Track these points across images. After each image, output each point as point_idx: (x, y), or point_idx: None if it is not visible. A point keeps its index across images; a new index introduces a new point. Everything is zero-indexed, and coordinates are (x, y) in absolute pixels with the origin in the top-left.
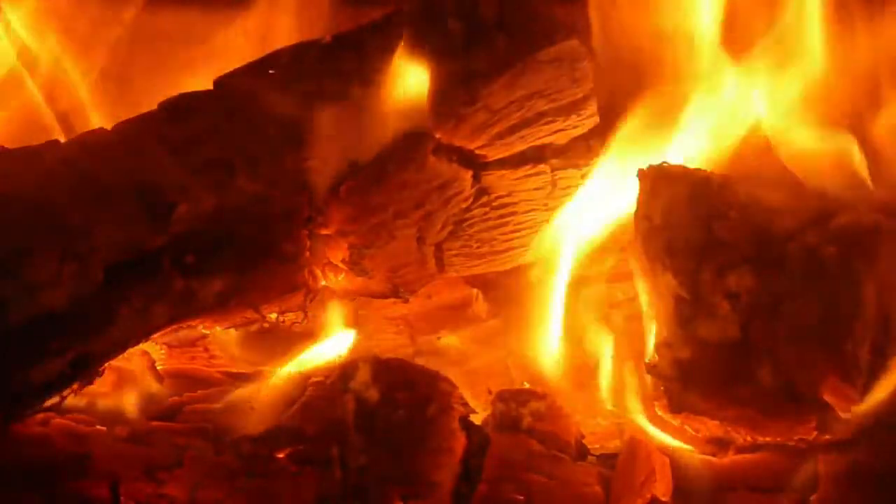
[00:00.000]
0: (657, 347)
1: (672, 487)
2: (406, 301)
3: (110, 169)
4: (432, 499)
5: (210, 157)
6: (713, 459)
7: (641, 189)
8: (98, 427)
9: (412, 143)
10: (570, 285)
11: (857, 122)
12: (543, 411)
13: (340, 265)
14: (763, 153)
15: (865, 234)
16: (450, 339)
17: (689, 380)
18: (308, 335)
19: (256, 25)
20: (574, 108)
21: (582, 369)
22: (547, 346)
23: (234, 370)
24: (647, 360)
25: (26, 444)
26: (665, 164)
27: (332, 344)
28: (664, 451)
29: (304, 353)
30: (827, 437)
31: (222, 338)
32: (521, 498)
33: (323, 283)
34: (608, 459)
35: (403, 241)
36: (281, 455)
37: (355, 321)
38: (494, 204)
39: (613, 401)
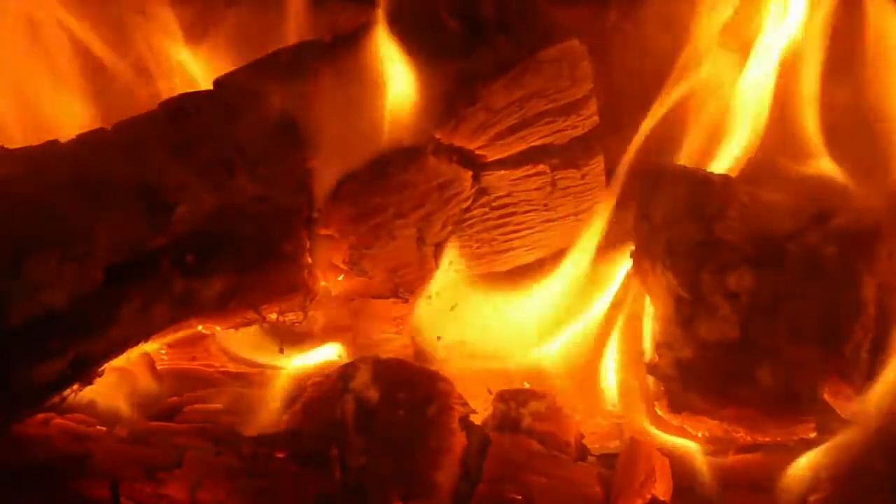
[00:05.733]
0: (657, 347)
1: (672, 487)
2: (406, 301)
3: (110, 169)
4: (432, 499)
5: (210, 157)
6: (713, 459)
7: (641, 189)
8: (98, 427)
9: (412, 143)
10: (570, 285)
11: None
12: (543, 411)
13: (340, 265)
14: (763, 153)
15: (865, 234)
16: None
17: (690, 380)
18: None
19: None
20: (574, 108)
21: (582, 369)
22: (547, 346)
23: (234, 370)
24: (647, 360)
25: (26, 445)
26: (665, 164)
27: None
28: (664, 451)
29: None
30: (827, 437)
31: (222, 338)
32: (521, 498)
33: (322, 283)
34: (608, 459)
35: (403, 242)
36: (281, 455)
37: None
38: (494, 204)
39: (613, 401)
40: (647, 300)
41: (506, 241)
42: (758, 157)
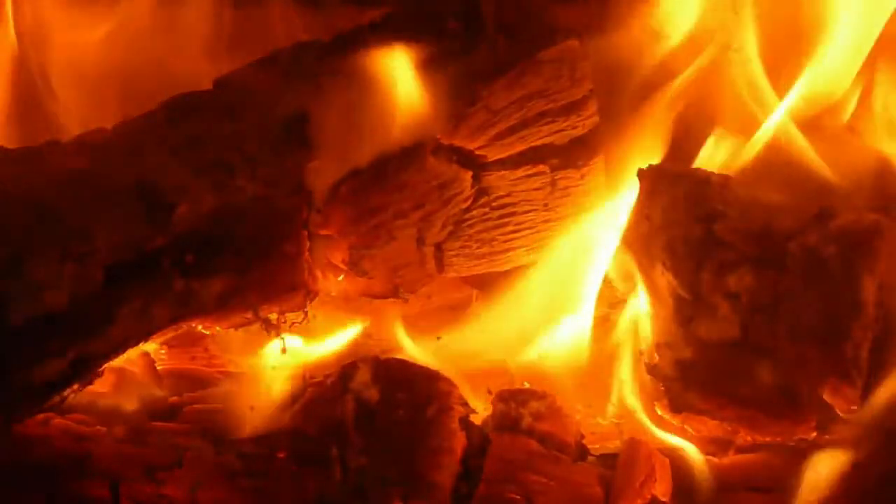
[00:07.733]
0: (657, 347)
1: (672, 487)
2: (406, 301)
3: (110, 169)
4: (432, 499)
5: (210, 157)
6: (713, 459)
7: (641, 189)
8: (98, 427)
9: (412, 143)
10: (570, 286)
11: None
12: (543, 411)
13: (340, 265)
14: (763, 153)
15: (865, 234)
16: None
17: (689, 380)
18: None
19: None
20: (574, 108)
21: (582, 369)
22: (547, 346)
23: (234, 370)
24: (646, 360)
25: (26, 445)
26: (665, 164)
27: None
28: (664, 451)
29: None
30: (827, 437)
31: (222, 338)
32: (521, 498)
33: (322, 283)
34: (608, 459)
35: (403, 242)
36: (281, 455)
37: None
38: (494, 204)
39: (613, 400)
40: (647, 300)
41: (506, 241)
42: (758, 157)
